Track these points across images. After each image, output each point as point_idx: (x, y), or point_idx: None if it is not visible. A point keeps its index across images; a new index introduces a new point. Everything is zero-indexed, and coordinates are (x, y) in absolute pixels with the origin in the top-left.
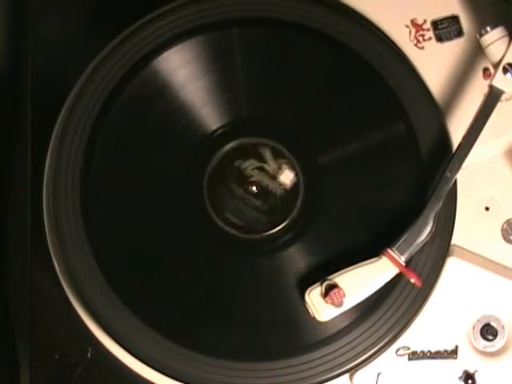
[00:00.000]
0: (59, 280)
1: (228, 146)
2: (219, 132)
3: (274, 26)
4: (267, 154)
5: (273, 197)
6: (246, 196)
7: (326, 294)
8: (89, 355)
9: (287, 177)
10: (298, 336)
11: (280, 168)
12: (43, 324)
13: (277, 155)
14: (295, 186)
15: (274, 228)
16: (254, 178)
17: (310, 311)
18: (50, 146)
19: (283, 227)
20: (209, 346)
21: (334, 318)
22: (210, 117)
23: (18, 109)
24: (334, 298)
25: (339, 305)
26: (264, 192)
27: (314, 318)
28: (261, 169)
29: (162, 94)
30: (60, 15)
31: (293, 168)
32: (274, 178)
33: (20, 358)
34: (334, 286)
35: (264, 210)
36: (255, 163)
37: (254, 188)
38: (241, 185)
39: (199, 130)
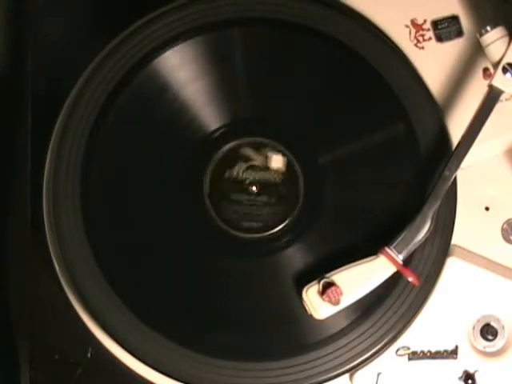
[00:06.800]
0: (59, 280)
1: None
2: (219, 132)
3: (274, 26)
4: (249, 151)
5: (275, 186)
6: (250, 197)
7: (323, 292)
8: (89, 355)
9: (277, 161)
10: (298, 336)
11: (267, 157)
12: (43, 324)
13: (258, 148)
14: (295, 182)
15: (274, 228)
16: (249, 179)
17: (307, 309)
18: (50, 146)
19: (283, 227)
20: (209, 346)
21: (334, 318)
22: (210, 117)
23: (18, 109)
24: (332, 296)
25: (336, 303)
26: (265, 186)
27: (311, 316)
28: (251, 167)
29: (161, 94)
30: (60, 15)
31: (278, 150)
32: (266, 169)
33: (20, 358)
34: (331, 284)
35: (272, 202)
36: (243, 165)
37: (255, 188)
38: (241, 190)
39: (199, 130)
